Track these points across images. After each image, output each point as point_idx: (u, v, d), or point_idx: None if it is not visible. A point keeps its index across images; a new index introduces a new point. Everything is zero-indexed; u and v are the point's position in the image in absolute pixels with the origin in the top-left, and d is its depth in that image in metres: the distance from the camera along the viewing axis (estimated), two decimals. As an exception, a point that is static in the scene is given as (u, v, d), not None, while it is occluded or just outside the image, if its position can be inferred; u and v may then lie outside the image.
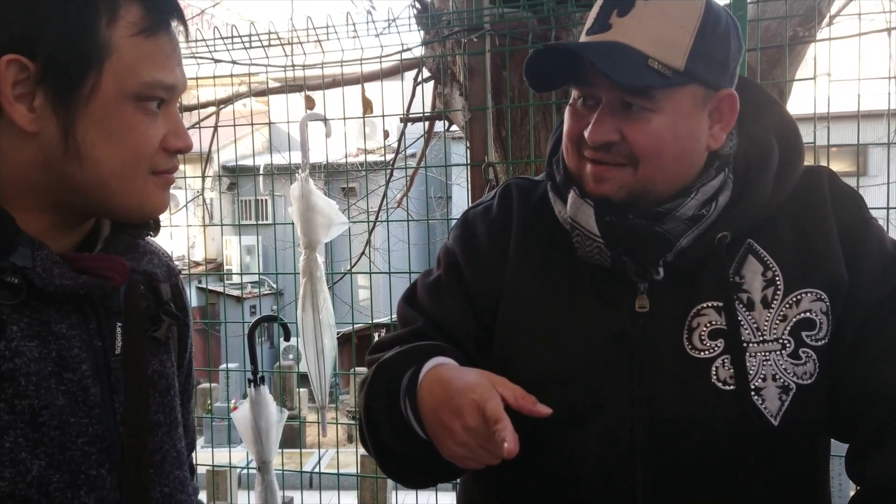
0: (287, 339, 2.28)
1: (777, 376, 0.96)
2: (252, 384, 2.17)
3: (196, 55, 2.66)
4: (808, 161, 1.04)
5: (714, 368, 0.97)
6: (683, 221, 0.97)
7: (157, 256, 0.92)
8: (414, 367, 0.97)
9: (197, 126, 3.25)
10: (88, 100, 0.74)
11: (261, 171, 4.48)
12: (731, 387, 0.96)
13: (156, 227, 0.87)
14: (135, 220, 0.84)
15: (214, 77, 2.90)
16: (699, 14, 0.93)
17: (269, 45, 2.66)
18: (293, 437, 6.37)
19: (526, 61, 0.98)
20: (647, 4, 0.93)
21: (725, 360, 0.96)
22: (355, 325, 3.21)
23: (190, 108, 3.70)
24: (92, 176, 0.76)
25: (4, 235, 0.73)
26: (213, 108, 3.47)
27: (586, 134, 0.96)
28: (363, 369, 1.15)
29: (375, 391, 1.00)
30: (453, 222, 1.26)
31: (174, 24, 0.80)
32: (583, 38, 0.98)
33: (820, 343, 0.97)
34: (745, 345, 0.96)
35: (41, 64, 0.72)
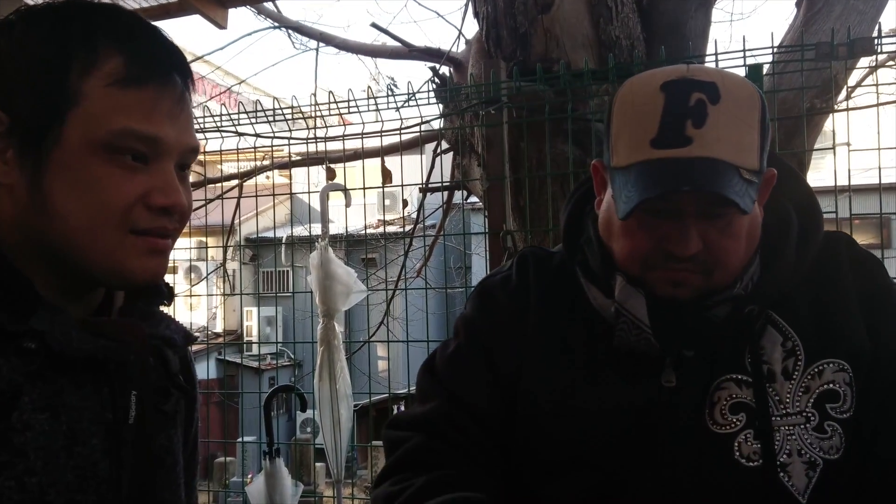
0: (304, 409, 2.26)
1: (803, 451, 0.92)
2: (267, 456, 2.14)
3: (220, 128, 2.73)
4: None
5: (737, 444, 0.93)
6: (725, 302, 0.95)
7: (174, 322, 0.90)
8: None
9: (220, 198, 3.31)
10: (51, 150, 0.72)
11: (282, 243, 4.53)
12: (756, 463, 0.92)
13: (169, 297, 0.86)
14: (116, 286, 0.81)
15: (238, 150, 2.97)
16: (759, 109, 0.91)
17: (293, 119, 2.73)
18: (308, 513, 6.21)
19: (639, 203, 0.88)
20: (718, 110, 0.88)
21: (748, 435, 0.93)
22: (373, 397, 3.17)
23: (213, 181, 3.78)
24: (60, 231, 0.73)
25: (24, 298, 0.72)
26: (235, 182, 3.54)
27: (670, 247, 0.91)
28: (380, 443, 1.12)
29: None
30: (473, 292, 1.24)
31: (176, 77, 0.76)
32: (652, 152, 0.89)
33: (845, 415, 0.93)
34: None
35: (13, 115, 0.72)
